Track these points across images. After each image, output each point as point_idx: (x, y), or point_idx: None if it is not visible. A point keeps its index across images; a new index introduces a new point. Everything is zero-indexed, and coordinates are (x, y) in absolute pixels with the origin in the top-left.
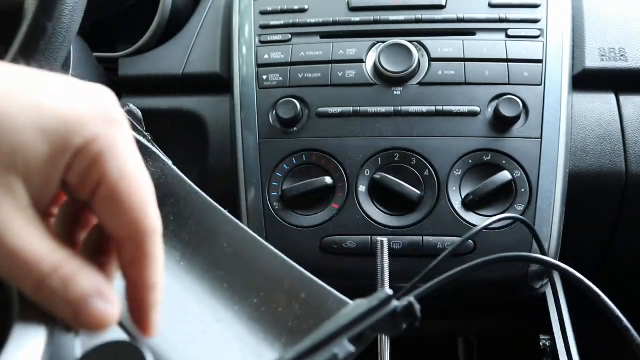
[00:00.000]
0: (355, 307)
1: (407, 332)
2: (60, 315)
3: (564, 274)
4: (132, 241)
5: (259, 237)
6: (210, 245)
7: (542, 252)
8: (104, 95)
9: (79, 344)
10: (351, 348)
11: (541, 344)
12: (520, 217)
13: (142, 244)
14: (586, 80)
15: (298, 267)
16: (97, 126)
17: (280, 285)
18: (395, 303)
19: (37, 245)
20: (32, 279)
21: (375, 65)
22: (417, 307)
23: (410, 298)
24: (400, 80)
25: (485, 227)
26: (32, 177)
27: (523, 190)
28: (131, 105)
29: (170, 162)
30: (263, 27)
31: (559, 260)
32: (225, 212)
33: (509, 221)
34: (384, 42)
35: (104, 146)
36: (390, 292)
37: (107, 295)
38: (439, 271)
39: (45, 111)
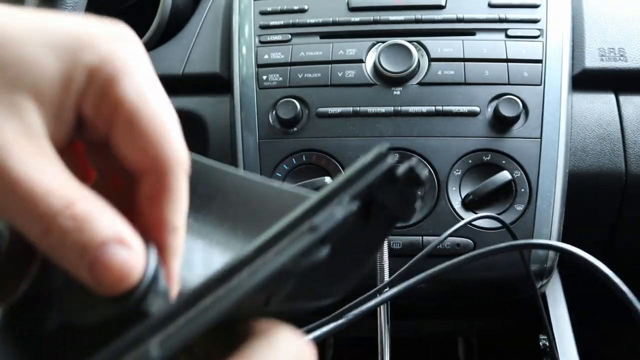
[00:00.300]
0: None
1: (407, 332)
2: (71, 267)
3: (570, 255)
4: (153, 172)
5: (262, 178)
6: (219, 202)
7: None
8: (116, 22)
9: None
10: (352, 205)
11: (541, 344)
12: (496, 215)
13: (165, 175)
14: (586, 80)
15: (305, 193)
16: (111, 44)
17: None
18: (392, 158)
19: (47, 176)
20: (38, 216)
21: (375, 65)
22: (421, 170)
23: (412, 162)
24: (400, 80)
25: (469, 223)
26: (43, 99)
27: (523, 190)
28: None
29: None
30: (263, 27)
31: (559, 261)
32: (229, 167)
33: (510, 220)
34: (383, 42)
35: (120, 66)
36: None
37: (131, 243)
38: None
39: (54, 28)
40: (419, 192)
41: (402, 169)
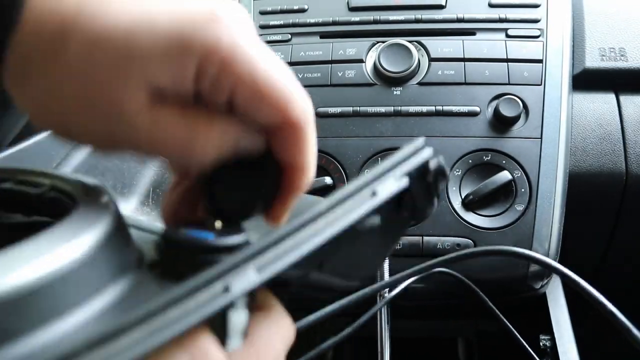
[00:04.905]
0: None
1: (407, 332)
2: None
3: (562, 276)
4: (286, 127)
5: None
6: None
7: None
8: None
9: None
10: (403, 181)
11: (541, 344)
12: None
13: (298, 129)
14: (586, 80)
15: (319, 198)
16: (215, 29)
17: None
18: (428, 151)
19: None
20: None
21: (375, 65)
22: (447, 168)
23: (440, 158)
24: (400, 80)
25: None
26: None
27: (523, 190)
28: None
29: None
30: (263, 27)
31: (559, 261)
32: None
33: (510, 220)
34: (383, 42)
35: (228, 50)
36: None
37: None
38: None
39: (160, 21)
40: (440, 188)
41: (433, 162)
